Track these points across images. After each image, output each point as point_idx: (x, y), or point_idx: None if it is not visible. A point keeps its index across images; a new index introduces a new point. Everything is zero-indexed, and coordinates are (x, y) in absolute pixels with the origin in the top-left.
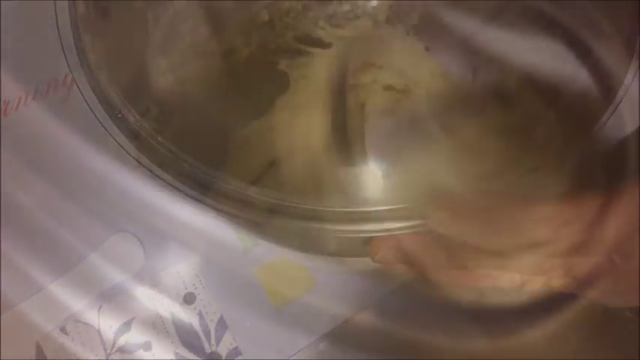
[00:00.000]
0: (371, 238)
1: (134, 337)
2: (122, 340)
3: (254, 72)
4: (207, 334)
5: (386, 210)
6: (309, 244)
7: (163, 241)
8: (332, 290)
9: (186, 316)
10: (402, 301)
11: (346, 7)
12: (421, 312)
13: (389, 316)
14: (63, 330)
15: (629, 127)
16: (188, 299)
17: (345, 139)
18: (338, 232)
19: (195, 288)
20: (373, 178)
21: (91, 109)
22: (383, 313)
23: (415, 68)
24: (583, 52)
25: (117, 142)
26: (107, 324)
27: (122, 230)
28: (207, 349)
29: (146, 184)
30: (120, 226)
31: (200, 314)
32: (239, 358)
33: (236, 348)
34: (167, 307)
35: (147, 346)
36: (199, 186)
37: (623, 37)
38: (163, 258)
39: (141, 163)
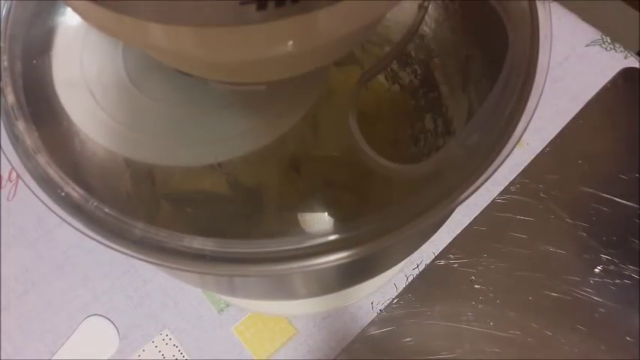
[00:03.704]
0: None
1: None
2: None
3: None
4: None
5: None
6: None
7: (136, 317)
8: (314, 334)
9: None
10: (383, 333)
11: None
12: (404, 341)
13: (373, 348)
14: None
15: None
16: None
17: None
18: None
19: (176, 358)
20: None
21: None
22: (367, 346)
23: None
24: None
25: (65, 220)
26: None
27: (93, 314)
28: None
29: (110, 263)
30: (90, 310)
31: None
32: None
33: None
34: None
35: None
36: (155, 249)
37: None
38: (139, 335)
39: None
